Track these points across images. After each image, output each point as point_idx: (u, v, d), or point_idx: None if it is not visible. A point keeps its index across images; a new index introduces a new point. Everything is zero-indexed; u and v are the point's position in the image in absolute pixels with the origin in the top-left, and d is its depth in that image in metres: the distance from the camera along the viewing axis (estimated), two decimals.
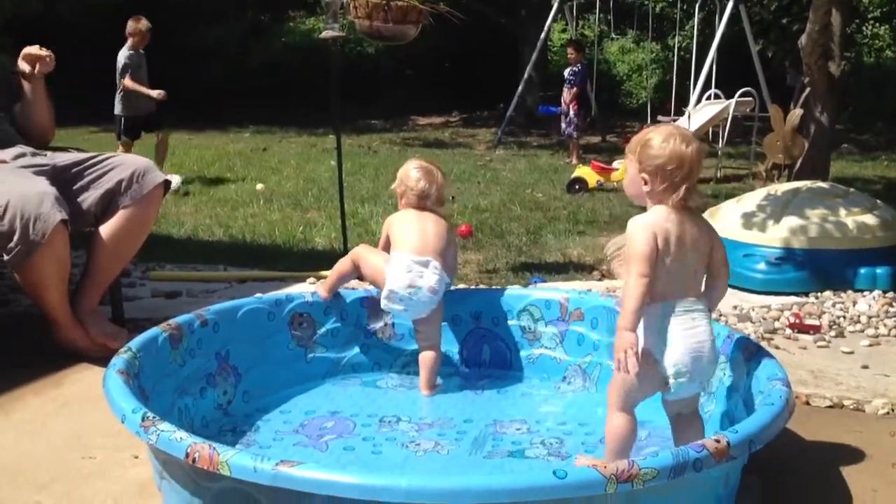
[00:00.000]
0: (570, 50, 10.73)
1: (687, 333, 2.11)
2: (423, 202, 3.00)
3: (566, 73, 10.52)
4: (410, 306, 2.84)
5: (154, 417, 1.95)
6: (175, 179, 7.67)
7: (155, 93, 7.83)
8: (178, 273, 4.48)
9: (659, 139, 2.12)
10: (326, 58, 5.23)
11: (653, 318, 2.12)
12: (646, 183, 2.15)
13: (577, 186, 8.05)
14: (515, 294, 3.09)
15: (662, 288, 2.11)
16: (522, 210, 6.96)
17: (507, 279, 4.56)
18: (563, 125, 10.40)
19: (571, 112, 10.17)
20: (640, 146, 2.16)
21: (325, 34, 4.56)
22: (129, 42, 7.97)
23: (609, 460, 2.05)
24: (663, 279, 2.11)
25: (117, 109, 8.03)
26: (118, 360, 2.32)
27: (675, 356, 2.10)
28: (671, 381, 2.11)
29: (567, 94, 10.27)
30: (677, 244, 2.13)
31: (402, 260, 2.85)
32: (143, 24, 7.96)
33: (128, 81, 7.86)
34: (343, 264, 3.02)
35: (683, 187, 2.11)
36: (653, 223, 2.13)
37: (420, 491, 1.63)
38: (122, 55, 7.99)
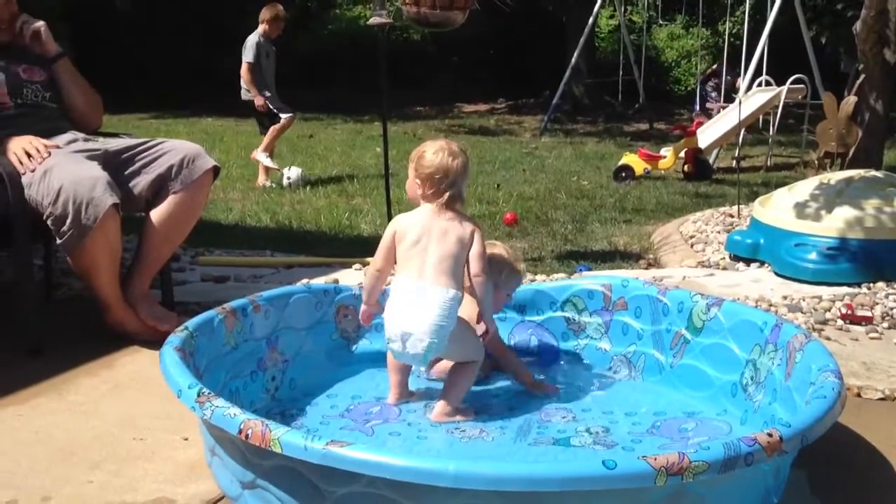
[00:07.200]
0: None
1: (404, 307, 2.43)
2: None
3: None
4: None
5: (209, 393, 1.99)
6: (294, 173, 7.50)
7: (259, 99, 7.52)
8: (227, 258, 4.53)
9: (430, 152, 2.48)
10: (373, 45, 5.23)
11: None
12: (419, 187, 2.52)
13: (623, 174, 8.00)
14: (558, 286, 3.07)
15: (398, 269, 2.51)
16: (568, 198, 6.93)
17: (553, 268, 4.54)
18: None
19: None
20: (416, 157, 2.52)
21: (373, 21, 4.57)
22: (261, 29, 7.54)
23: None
24: (399, 263, 2.50)
25: (260, 102, 7.56)
26: (175, 338, 2.35)
27: (389, 325, 2.46)
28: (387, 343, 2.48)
29: None
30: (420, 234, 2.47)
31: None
32: (279, 10, 7.49)
33: (245, 70, 7.48)
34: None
35: (447, 193, 2.46)
36: (398, 219, 2.55)
37: (468, 476, 1.63)
38: (251, 41, 7.51)
